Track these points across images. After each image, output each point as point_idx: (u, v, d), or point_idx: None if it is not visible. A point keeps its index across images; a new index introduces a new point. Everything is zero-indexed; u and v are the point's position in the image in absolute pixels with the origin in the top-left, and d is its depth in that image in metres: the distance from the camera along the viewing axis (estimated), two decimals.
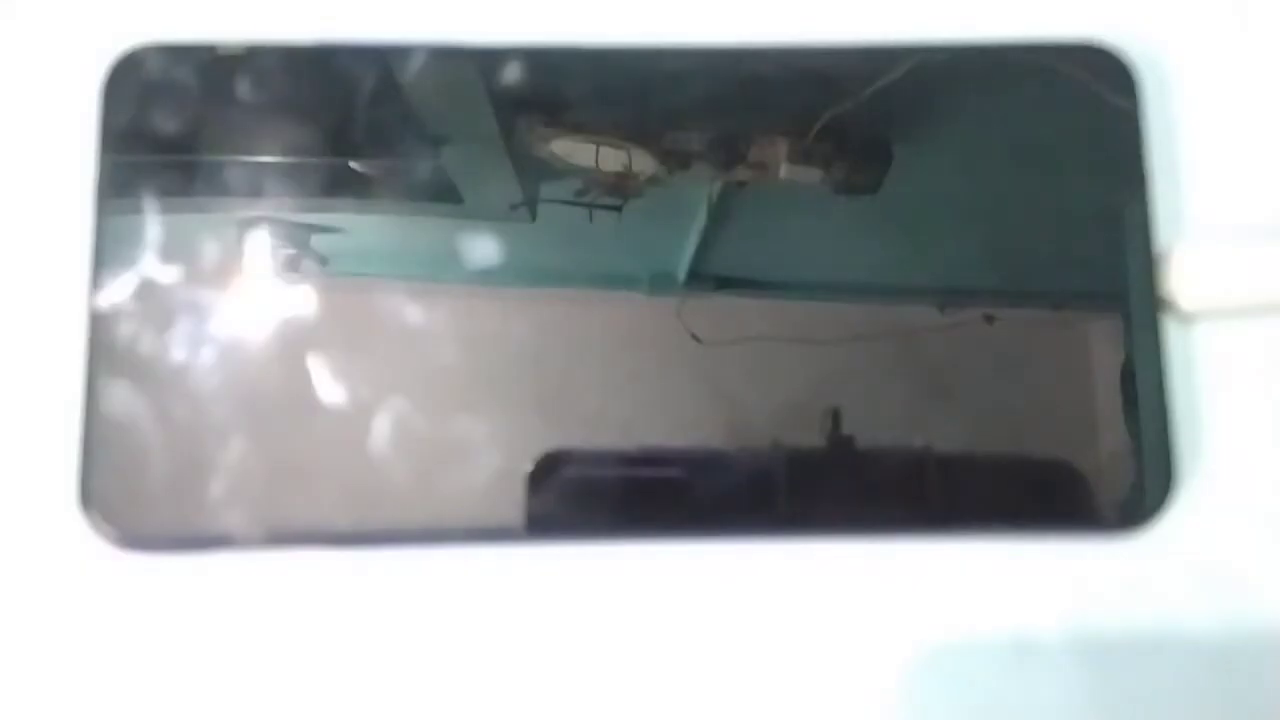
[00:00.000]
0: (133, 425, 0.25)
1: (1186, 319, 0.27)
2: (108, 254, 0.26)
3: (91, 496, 0.25)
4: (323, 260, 0.26)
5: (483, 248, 0.26)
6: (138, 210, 0.26)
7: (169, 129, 0.26)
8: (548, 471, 0.25)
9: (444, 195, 0.27)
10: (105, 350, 0.25)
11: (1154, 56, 0.28)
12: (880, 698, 0.26)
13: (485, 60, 0.27)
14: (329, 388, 0.26)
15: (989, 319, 0.26)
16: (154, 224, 0.26)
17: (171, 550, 0.25)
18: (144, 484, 0.25)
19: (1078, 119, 0.27)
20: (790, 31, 0.27)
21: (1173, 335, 0.26)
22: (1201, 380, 0.27)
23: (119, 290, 0.26)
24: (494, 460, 0.25)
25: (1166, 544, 0.26)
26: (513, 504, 0.25)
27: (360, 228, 0.27)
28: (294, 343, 0.26)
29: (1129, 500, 0.25)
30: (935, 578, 0.26)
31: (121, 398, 0.25)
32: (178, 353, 0.25)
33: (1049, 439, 0.26)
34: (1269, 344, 0.27)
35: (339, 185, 0.27)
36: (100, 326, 0.25)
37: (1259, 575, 0.26)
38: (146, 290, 0.26)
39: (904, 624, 0.26)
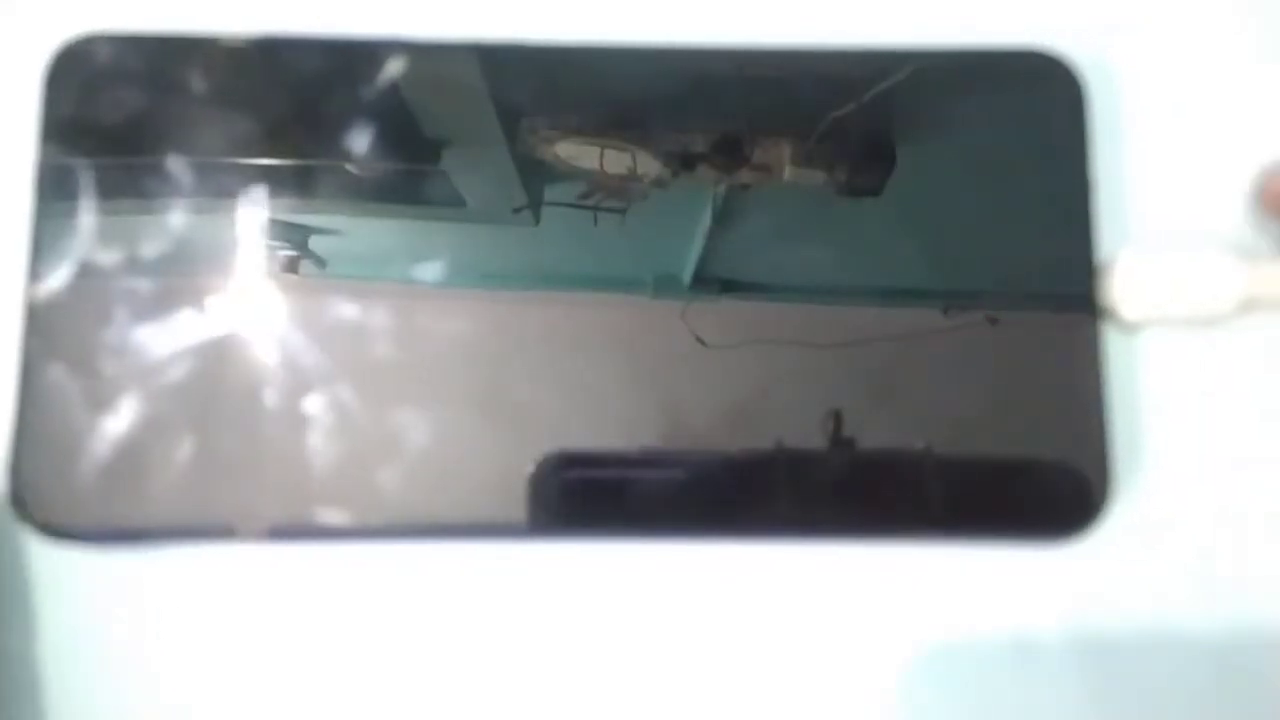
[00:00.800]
0: (67, 416, 0.25)
1: (1129, 328, 0.27)
2: (46, 237, 0.25)
3: (23, 489, 0.25)
4: (322, 262, 0.26)
5: (486, 251, 0.26)
6: (78, 199, 0.25)
7: (123, 120, 0.26)
8: (549, 473, 0.25)
9: (446, 198, 0.27)
10: (40, 339, 0.25)
11: (1103, 64, 0.28)
12: (879, 698, 0.26)
13: (487, 60, 0.27)
14: (295, 368, 0.25)
15: (992, 321, 0.26)
16: (97, 216, 0.25)
17: (104, 543, 0.25)
18: (79, 475, 0.25)
19: (1030, 126, 0.27)
20: (775, 34, 0.27)
21: (1114, 343, 0.27)
22: (1143, 388, 0.27)
23: (55, 279, 0.25)
24: (495, 462, 0.25)
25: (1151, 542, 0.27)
26: (513, 506, 0.25)
27: (360, 230, 0.26)
28: (260, 339, 0.25)
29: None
30: (932, 578, 0.26)
31: (56, 388, 0.25)
32: (117, 344, 0.25)
33: (1052, 441, 0.26)
34: (1212, 353, 0.27)
35: (335, 187, 0.26)
36: (36, 316, 0.25)
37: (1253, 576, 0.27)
38: (85, 279, 0.25)
39: (902, 624, 0.26)
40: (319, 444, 0.25)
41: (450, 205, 0.27)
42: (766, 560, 0.26)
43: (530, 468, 0.25)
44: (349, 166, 0.26)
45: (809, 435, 0.26)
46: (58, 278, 0.25)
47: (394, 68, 0.26)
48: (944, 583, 0.26)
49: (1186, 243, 0.27)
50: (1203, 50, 0.28)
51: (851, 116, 0.27)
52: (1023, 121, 0.27)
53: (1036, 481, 0.26)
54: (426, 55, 0.27)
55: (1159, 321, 0.27)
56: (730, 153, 0.27)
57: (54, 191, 0.25)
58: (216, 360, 0.25)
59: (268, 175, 0.26)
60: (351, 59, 0.26)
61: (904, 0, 0.28)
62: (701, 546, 0.26)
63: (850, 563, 0.26)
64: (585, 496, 0.25)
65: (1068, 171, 0.27)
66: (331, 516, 0.25)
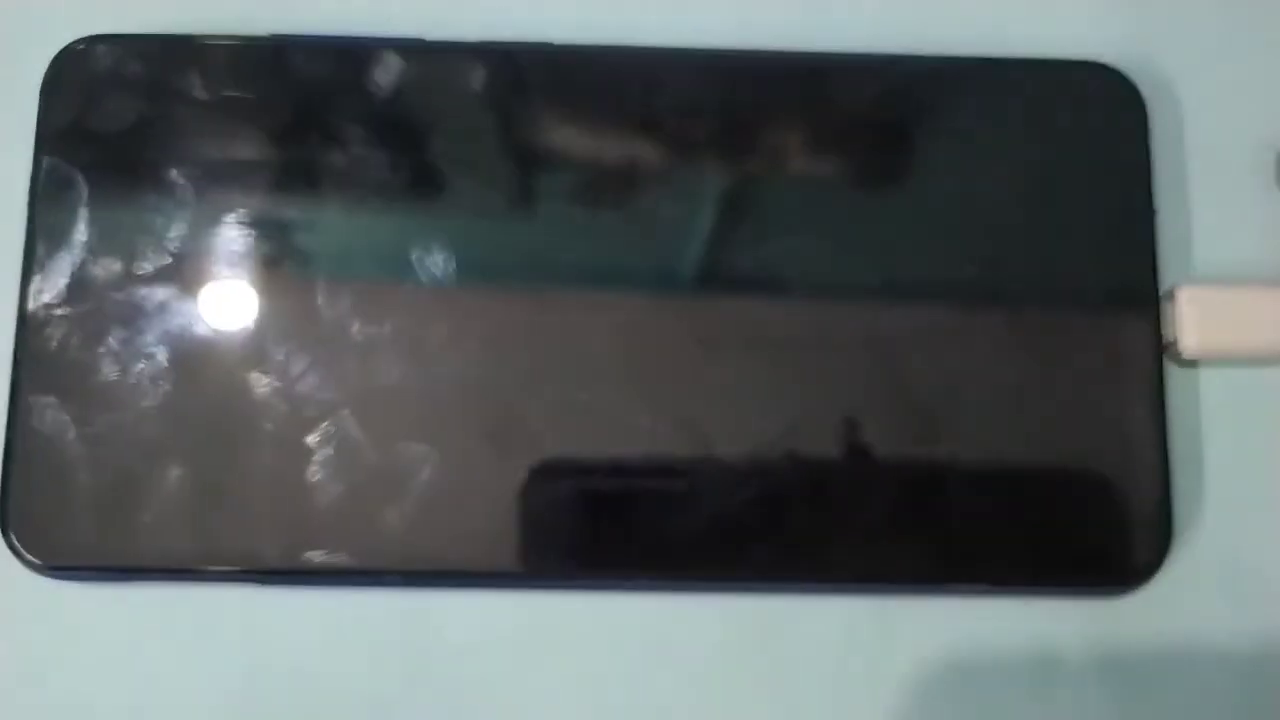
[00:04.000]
0: (60, 443, 0.24)
1: (1192, 363, 0.26)
2: (39, 259, 0.25)
3: (12, 519, 0.24)
4: (301, 255, 0.25)
5: (480, 246, 0.25)
6: (75, 211, 0.25)
7: (125, 124, 0.25)
8: (543, 479, 0.24)
9: (436, 190, 0.26)
10: (33, 363, 0.24)
11: (1165, 81, 0.27)
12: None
13: (484, 54, 0.26)
14: (298, 396, 0.25)
15: (1015, 328, 0.25)
16: (93, 226, 0.25)
17: (98, 578, 0.25)
18: (71, 506, 0.24)
19: (1088, 139, 0.26)
20: (802, 38, 0.27)
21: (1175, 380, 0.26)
22: (1204, 427, 0.26)
23: (48, 297, 0.25)
24: (487, 468, 0.24)
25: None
26: (507, 513, 0.24)
27: (343, 222, 0.25)
28: (251, 352, 0.25)
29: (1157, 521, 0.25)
30: (955, 603, 0.25)
31: (49, 413, 0.24)
32: (113, 366, 0.24)
33: (1077, 456, 0.25)
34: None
35: (319, 176, 0.25)
36: (29, 333, 0.24)
37: None
38: (80, 297, 0.25)
39: (914, 637, 0.25)
40: (319, 474, 0.24)
41: (444, 198, 0.26)
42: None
43: (523, 474, 0.24)
44: (334, 153, 0.25)
45: (821, 441, 0.25)
46: (50, 294, 0.25)
47: (391, 64, 0.26)
48: (967, 608, 0.25)
49: (1252, 274, 0.26)
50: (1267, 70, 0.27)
51: (866, 105, 0.26)
52: (1070, 128, 0.26)
53: (1121, 485, 0.25)
54: (425, 53, 0.26)
55: (1219, 357, 0.26)
56: (737, 142, 0.26)
57: (50, 200, 0.25)
58: (206, 374, 0.25)
59: (261, 171, 0.25)
60: (348, 57, 0.26)
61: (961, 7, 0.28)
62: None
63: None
64: (582, 502, 0.25)
65: (1121, 181, 0.26)
66: (321, 557, 0.24)
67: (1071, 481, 0.25)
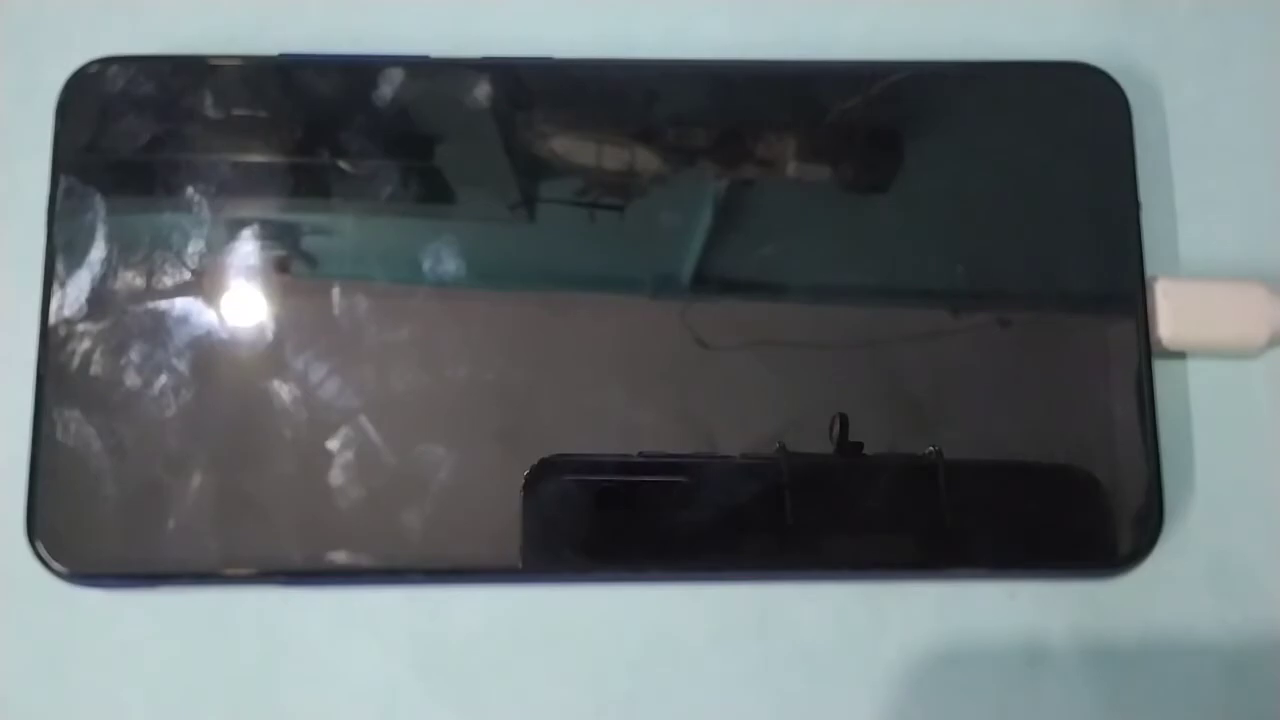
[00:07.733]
0: (85, 455, 0.24)
1: (1170, 355, 0.26)
2: (59, 276, 0.25)
3: (39, 529, 0.24)
4: (312, 263, 0.25)
5: (480, 249, 0.26)
6: (93, 228, 0.25)
7: (140, 142, 0.26)
8: (543, 477, 0.25)
9: (440, 196, 0.26)
10: (56, 377, 0.25)
11: (1149, 80, 0.27)
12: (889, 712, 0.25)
13: (485, 70, 0.26)
14: (306, 402, 0.25)
15: (1004, 323, 0.26)
16: (110, 242, 0.25)
17: (124, 585, 0.25)
18: (96, 515, 0.24)
19: (1073, 139, 0.27)
20: (794, 49, 0.27)
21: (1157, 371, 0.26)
22: (1191, 416, 0.26)
23: (69, 313, 0.25)
24: (489, 467, 0.25)
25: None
26: (508, 510, 0.25)
27: (351, 230, 0.26)
28: (270, 361, 0.25)
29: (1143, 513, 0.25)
30: (946, 588, 0.26)
31: (73, 426, 0.24)
32: (135, 378, 0.25)
33: (1064, 446, 0.25)
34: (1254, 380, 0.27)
35: (329, 187, 0.26)
36: (52, 348, 0.25)
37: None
38: (100, 312, 0.25)
39: (910, 632, 0.26)
40: (341, 478, 0.25)
41: (443, 202, 0.26)
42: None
43: (524, 473, 0.25)
44: (343, 165, 0.26)
45: (813, 439, 0.25)
46: (72, 305, 0.25)
47: (398, 80, 0.26)
48: (957, 594, 0.26)
49: (1234, 268, 0.27)
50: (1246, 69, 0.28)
51: (858, 110, 0.26)
52: (1056, 129, 0.27)
53: (1108, 484, 0.25)
54: (431, 70, 0.26)
55: (1194, 348, 0.26)
56: (732, 147, 0.26)
57: (68, 218, 0.25)
58: (226, 383, 0.25)
59: (273, 185, 0.26)
60: (355, 75, 0.26)
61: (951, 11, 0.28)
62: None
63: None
64: (582, 500, 0.25)
65: (1107, 179, 0.26)
66: (344, 558, 0.24)
67: (1061, 469, 0.25)
